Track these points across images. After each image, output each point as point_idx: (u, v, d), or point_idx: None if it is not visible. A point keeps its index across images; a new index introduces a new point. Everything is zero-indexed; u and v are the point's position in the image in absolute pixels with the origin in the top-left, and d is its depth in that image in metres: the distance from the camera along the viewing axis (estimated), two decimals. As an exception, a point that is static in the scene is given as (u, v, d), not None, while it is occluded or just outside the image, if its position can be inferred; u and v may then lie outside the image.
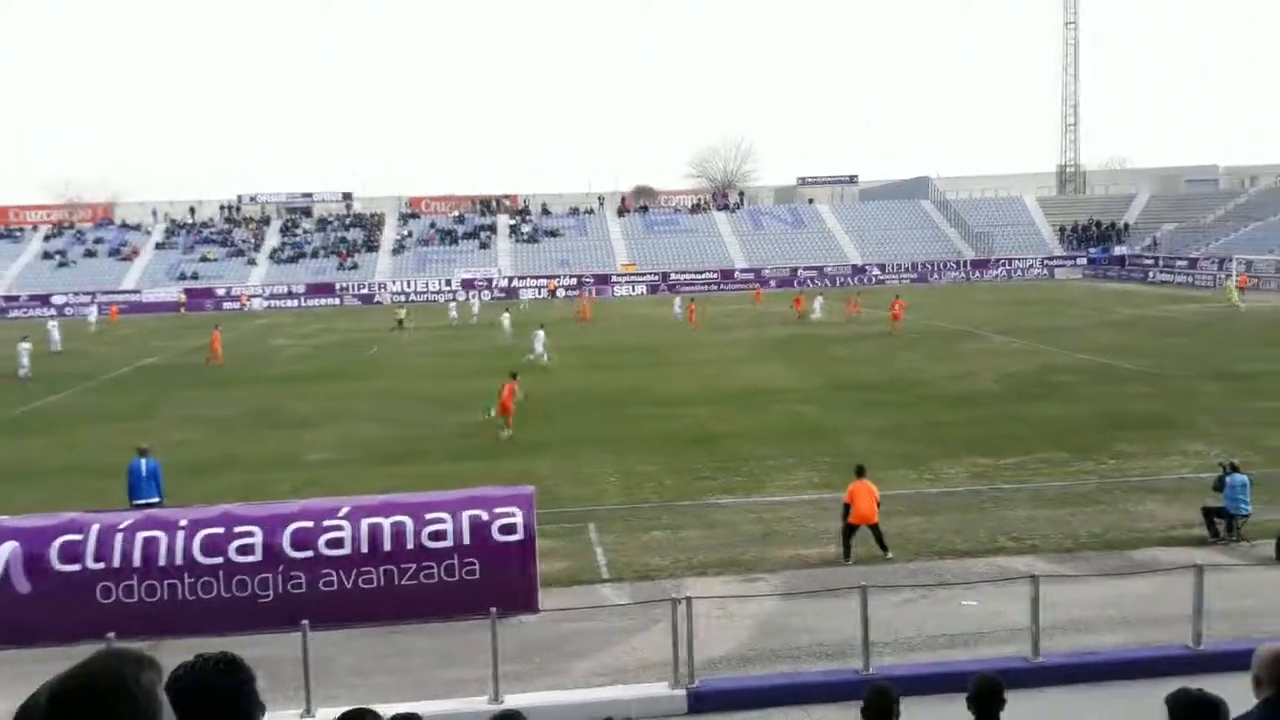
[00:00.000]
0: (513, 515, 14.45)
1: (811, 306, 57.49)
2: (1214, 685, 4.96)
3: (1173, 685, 4.98)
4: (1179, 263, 78.10)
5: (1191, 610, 12.67)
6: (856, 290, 65.58)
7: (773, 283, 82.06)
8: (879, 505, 17.17)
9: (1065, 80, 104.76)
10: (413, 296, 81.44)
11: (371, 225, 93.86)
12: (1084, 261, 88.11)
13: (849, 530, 17.12)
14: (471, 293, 75.81)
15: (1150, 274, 79.53)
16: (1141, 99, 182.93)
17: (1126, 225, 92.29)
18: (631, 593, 15.77)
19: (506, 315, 51.88)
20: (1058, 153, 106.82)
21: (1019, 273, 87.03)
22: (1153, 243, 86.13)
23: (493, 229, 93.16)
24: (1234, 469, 17.62)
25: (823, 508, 20.02)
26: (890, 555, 17.00)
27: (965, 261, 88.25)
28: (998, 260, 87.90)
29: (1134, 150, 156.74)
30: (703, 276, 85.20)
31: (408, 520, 14.28)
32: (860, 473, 17.57)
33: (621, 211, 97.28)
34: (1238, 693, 4.91)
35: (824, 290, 71.61)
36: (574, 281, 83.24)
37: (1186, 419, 27.13)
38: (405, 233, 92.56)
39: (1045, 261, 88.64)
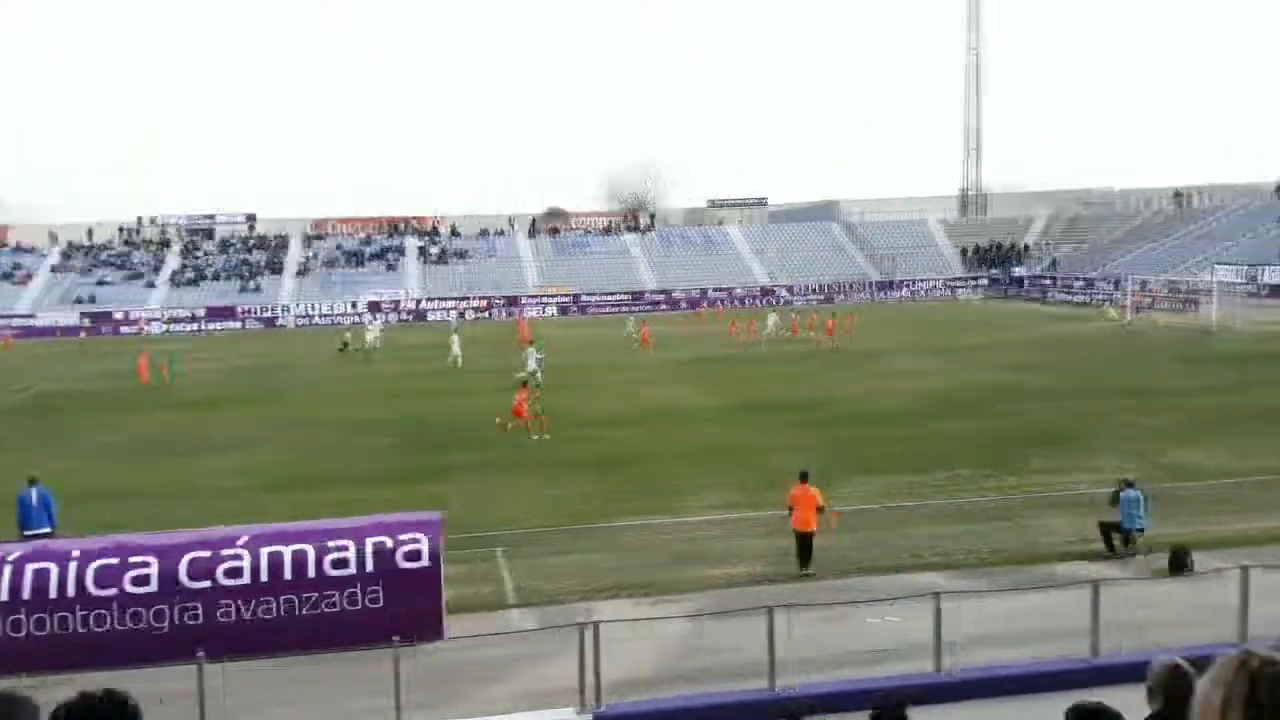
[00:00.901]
0: (418, 542, 14.24)
1: (765, 323, 57.97)
2: (1111, 697, 5.03)
3: (1073, 698, 5.04)
4: (1077, 283, 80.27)
5: (1090, 624, 12.92)
6: (796, 311, 66.37)
7: (683, 304, 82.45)
8: (822, 511, 17.32)
9: (968, 105, 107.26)
10: (317, 319, 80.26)
11: (275, 247, 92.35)
12: (985, 282, 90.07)
13: (800, 539, 17.29)
14: (377, 316, 74.63)
15: (1049, 294, 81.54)
16: (1042, 123, 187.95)
17: (1026, 246, 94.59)
18: (540, 617, 15.64)
19: (455, 338, 50.58)
20: (961, 176, 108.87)
21: (923, 293, 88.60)
22: (1051, 263, 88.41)
23: (400, 250, 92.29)
24: (1129, 485, 18.10)
25: (733, 528, 20.11)
26: (807, 572, 17.13)
27: (871, 283, 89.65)
28: (902, 281, 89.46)
29: (1034, 173, 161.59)
30: (613, 298, 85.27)
31: (309, 548, 13.99)
32: (803, 478, 17.71)
33: (532, 233, 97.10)
34: (1134, 704, 4.98)
35: (778, 308, 71.76)
36: (483, 303, 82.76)
37: (1085, 435, 27.80)
38: (310, 254, 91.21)
39: (948, 282, 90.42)
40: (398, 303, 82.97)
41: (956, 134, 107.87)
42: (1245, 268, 70.00)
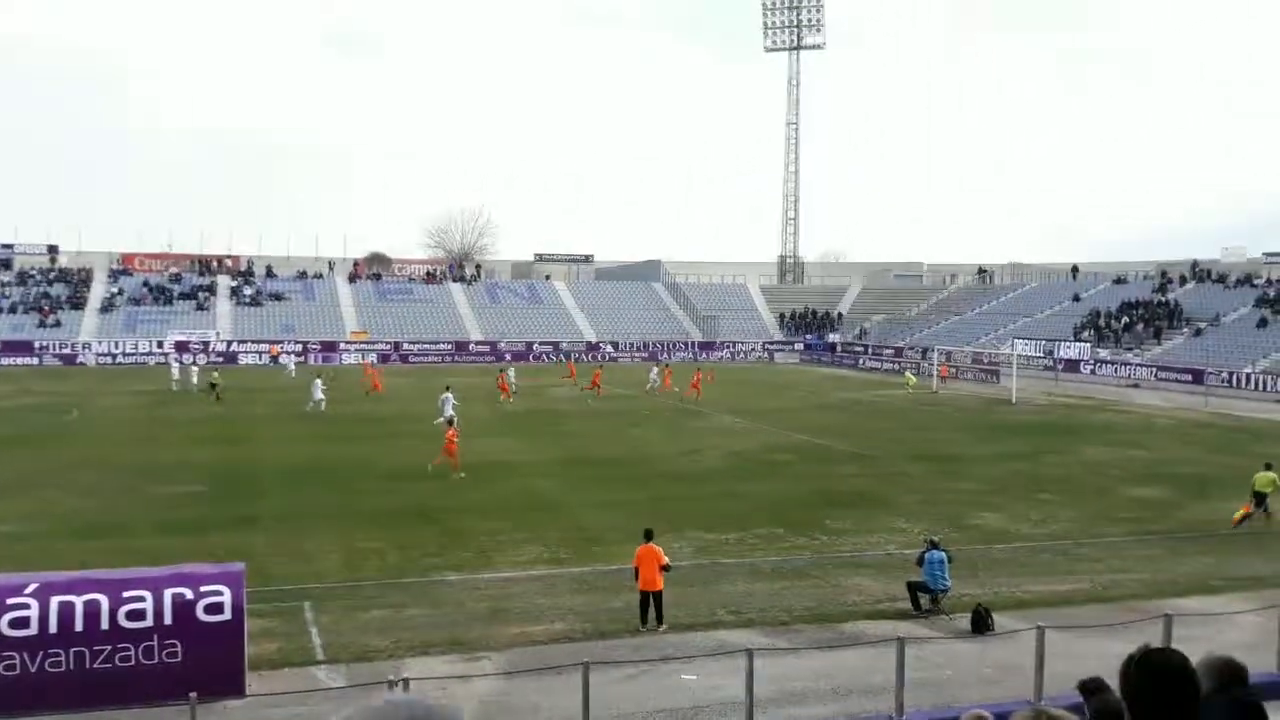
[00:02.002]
0: (220, 594, 13.62)
1: (649, 377, 59.49)
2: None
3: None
4: (886, 351, 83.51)
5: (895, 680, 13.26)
6: (666, 364, 66.94)
7: (509, 356, 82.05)
8: (667, 569, 17.35)
9: (786, 176, 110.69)
10: (120, 359, 76.85)
11: (78, 281, 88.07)
12: (800, 347, 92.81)
13: (644, 597, 17.22)
14: (185, 356, 71.63)
15: (860, 360, 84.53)
16: (857, 197, 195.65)
17: (840, 315, 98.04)
18: (348, 675, 15.13)
19: (319, 381, 48.57)
20: (780, 243, 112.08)
21: (741, 355, 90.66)
22: (862, 332, 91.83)
23: (211, 290, 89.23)
24: (934, 546, 18.75)
25: (550, 584, 19.95)
26: (663, 629, 17.12)
27: (693, 342, 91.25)
28: (722, 343, 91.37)
29: (849, 244, 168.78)
30: (436, 347, 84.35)
31: (104, 598, 13.21)
32: (648, 536, 17.73)
33: (353, 278, 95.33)
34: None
35: (660, 361, 71.69)
36: (299, 348, 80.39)
37: (893, 497, 28.73)
38: (115, 290, 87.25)
39: (765, 345, 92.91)
40: (207, 344, 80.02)
41: (777, 203, 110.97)
42: (1042, 342, 74.27)
